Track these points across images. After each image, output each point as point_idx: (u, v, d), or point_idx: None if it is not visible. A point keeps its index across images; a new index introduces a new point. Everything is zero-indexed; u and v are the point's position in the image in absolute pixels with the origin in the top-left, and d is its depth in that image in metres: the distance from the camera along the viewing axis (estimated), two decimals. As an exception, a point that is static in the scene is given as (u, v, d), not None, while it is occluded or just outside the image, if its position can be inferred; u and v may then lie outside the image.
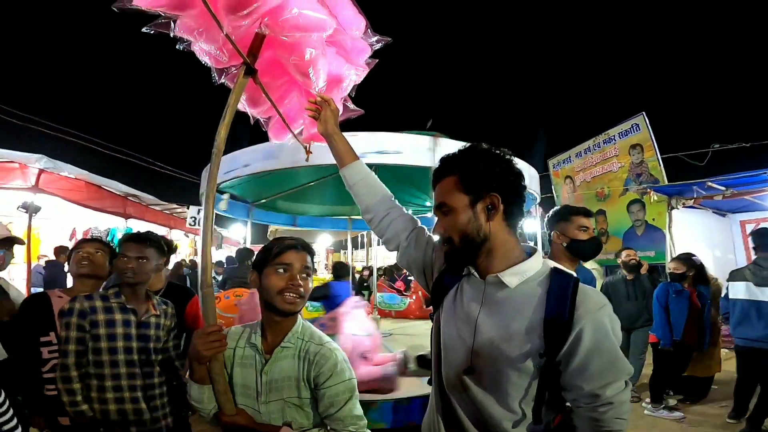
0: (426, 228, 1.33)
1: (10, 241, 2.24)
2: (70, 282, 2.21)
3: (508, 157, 1.07)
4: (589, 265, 4.48)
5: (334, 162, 1.40)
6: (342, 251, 20.94)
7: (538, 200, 4.91)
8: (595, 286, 1.95)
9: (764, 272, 3.60)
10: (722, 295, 3.96)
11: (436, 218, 1.13)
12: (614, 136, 8.00)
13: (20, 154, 4.16)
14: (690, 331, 4.06)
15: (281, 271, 1.24)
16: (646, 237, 7.53)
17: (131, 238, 1.87)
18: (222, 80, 1.28)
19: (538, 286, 1.00)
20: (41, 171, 4.31)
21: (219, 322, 1.21)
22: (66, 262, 2.23)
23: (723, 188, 5.54)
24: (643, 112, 7.38)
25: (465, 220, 1.04)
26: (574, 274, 1.76)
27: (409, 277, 8.04)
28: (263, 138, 1.61)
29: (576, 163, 9.18)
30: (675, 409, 4.17)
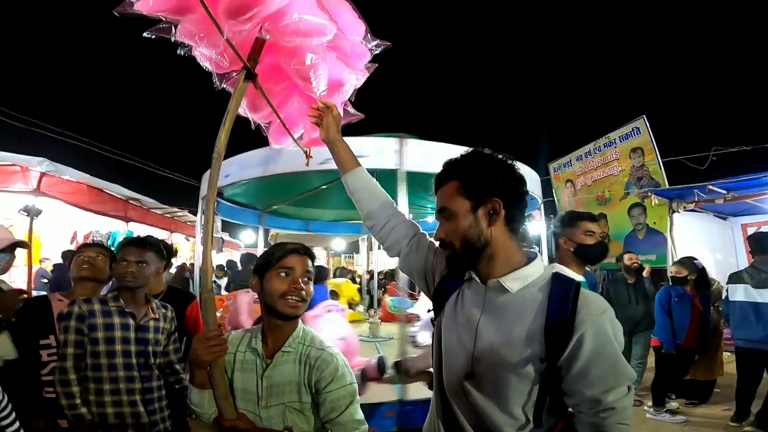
0: (427, 234, 1.33)
1: (14, 245, 2.25)
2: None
3: (510, 162, 1.07)
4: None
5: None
6: (344, 256, 20.92)
7: (541, 203, 4.91)
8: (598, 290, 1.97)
9: (762, 275, 3.66)
10: (723, 297, 4.02)
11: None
12: (615, 139, 8.00)
13: (22, 157, 4.16)
14: (692, 334, 4.06)
15: (283, 275, 1.24)
16: (647, 240, 7.52)
17: (131, 242, 1.87)
18: (223, 85, 1.29)
19: (540, 291, 1.00)
20: (43, 174, 4.30)
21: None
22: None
23: (724, 192, 5.54)
24: (644, 116, 7.39)
25: (466, 225, 1.04)
26: (577, 279, 1.77)
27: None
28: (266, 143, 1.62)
29: (576, 166, 9.18)
30: (677, 412, 4.15)
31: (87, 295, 1.92)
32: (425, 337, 2.68)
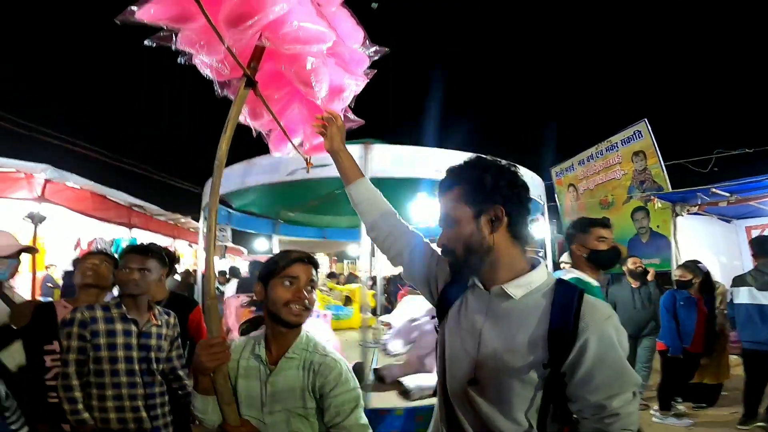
0: (429, 242, 1.34)
1: (20, 251, 2.28)
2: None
3: (513, 168, 1.08)
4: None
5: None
6: (347, 261, 20.89)
7: (544, 207, 4.90)
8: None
9: (765, 277, 3.71)
10: (728, 300, 4.07)
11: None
12: (616, 143, 7.98)
13: (26, 164, 4.19)
14: (699, 338, 4.06)
15: (287, 283, 1.25)
16: (651, 244, 7.48)
17: (133, 249, 1.89)
18: (224, 93, 1.30)
19: (543, 297, 1.00)
20: (47, 181, 4.34)
21: None
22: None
23: (727, 194, 5.52)
24: (645, 119, 7.37)
25: (468, 232, 1.04)
26: (594, 283, 1.75)
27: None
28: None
29: (579, 171, 9.16)
30: (684, 416, 4.14)
31: (91, 301, 1.95)
32: (396, 346, 2.69)
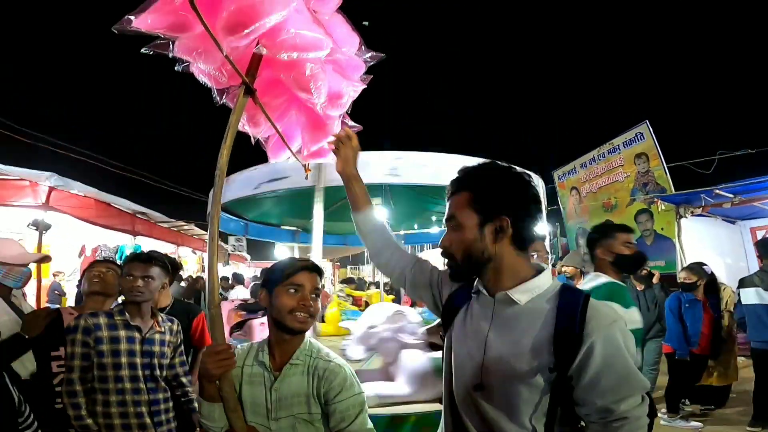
0: (428, 260, 1.39)
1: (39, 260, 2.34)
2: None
3: (526, 178, 1.07)
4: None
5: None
6: (349, 267, 20.89)
7: (545, 210, 4.90)
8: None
9: None
10: (735, 301, 4.09)
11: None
12: (618, 145, 7.97)
13: (31, 171, 4.20)
14: (705, 340, 4.05)
15: (292, 291, 1.26)
16: (655, 247, 7.44)
17: (136, 257, 1.92)
18: (223, 100, 1.31)
19: (548, 302, 1.00)
20: (51, 189, 4.35)
21: None
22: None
23: (731, 195, 5.50)
24: (647, 121, 7.35)
25: (471, 239, 1.04)
26: (604, 285, 1.84)
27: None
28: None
29: (581, 174, 9.15)
30: (692, 418, 4.12)
31: (98, 308, 1.97)
32: (355, 352, 2.72)
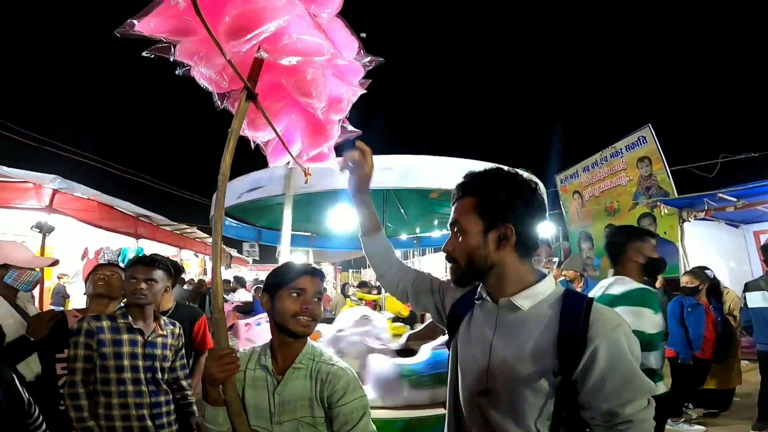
0: (429, 272, 1.41)
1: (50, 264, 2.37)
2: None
3: (532, 185, 1.07)
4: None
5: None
6: (351, 271, 20.87)
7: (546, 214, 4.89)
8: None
9: None
10: (742, 305, 4.10)
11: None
12: (621, 149, 7.94)
13: (35, 174, 4.22)
14: (708, 344, 4.04)
15: (295, 295, 1.27)
16: (658, 251, 7.40)
17: (139, 261, 1.94)
18: (224, 105, 1.31)
19: (552, 307, 1.00)
20: (55, 191, 4.37)
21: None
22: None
23: (734, 199, 5.48)
24: (649, 124, 7.33)
25: (474, 245, 1.05)
26: (638, 290, 1.88)
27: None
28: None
29: (583, 177, 9.12)
30: (695, 422, 4.10)
31: (102, 311, 1.99)
32: None
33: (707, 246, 6.38)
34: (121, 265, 2.41)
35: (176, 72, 1.21)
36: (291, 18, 1.09)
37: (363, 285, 8.98)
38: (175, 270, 2.29)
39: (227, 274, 10.74)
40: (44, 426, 1.46)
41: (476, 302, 1.13)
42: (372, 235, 1.42)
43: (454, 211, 1.11)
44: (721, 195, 5.46)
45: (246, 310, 5.32)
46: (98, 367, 1.74)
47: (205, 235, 8.99)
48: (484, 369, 1.02)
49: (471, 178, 1.11)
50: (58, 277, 7.10)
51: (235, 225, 5.28)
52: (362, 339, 2.77)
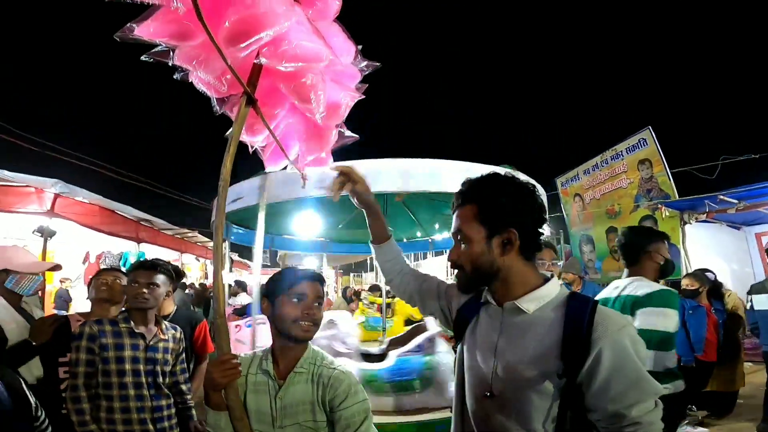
0: (435, 276, 1.43)
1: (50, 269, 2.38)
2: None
3: (531, 188, 1.07)
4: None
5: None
6: (352, 275, 20.85)
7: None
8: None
9: None
10: (748, 307, 4.08)
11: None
12: (621, 151, 7.93)
13: (36, 178, 4.22)
14: (710, 346, 4.03)
15: (295, 300, 1.28)
16: (664, 253, 7.37)
17: (141, 265, 1.96)
18: (223, 110, 1.31)
19: (556, 310, 1.01)
20: (57, 195, 4.37)
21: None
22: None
23: (735, 201, 5.47)
24: (649, 127, 7.32)
25: (478, 252, 1.05)
26: (664, 291, 1.87)
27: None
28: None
29: (584, 180, 9.11)
30: (699, 424, 4.09)
31: (104, 315, 2.00)
32: None
33: (709, 248, 6.37)
34: (123, 269, 2.42)
35: (174, 76, 1.22)
36: (291, 24, 1.10)
37: (375, 288, 9.01)
38: (176, 274, 2.31)
39: (229, 278, 10.73)
40: (50, 429, 1.47)
41: (482, 306, 1.14)
42: (381, 242, 1.44)
43: (456, 220, 1.12)
44: (722, 197, 5.45)
45: (242, 312, 5.43)
46: (100, 371, 1.75)
47: (206, 239, 9.00)
48: (490, 372, 1.03)
49: (469, 186, 1.11)
50: (61, 281, 7.11)
51: (242, 231, 5.34)
52: (330, 343, 2.78)
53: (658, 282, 2.17)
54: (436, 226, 6.60)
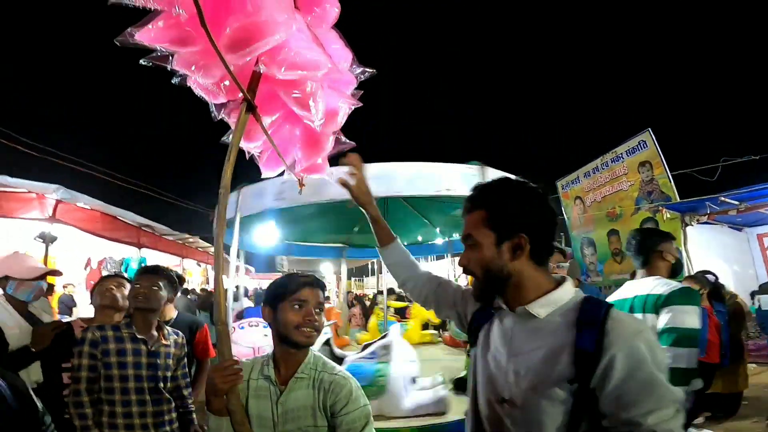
0: (450, 280, 1.44)
1: (46, 274, 2.38)
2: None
3: (540, 193, 1.07)
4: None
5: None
6: (353, 279, 20.81)
7: None
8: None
9: None
10: (756, 307, 4.16)
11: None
12: (622, 154, 7.93)
13: (38, 184, 4.24)
14: (712, 347, 3.99)
15: (297, 306, 1.29)
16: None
17: (145, 270, 1.99)
18: (221, 116, 1.32)
19: (568, 314, 0.99)
20: (58, 201, 4.39)
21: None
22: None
23: (736, 203, 5.46)
24: (649, 129, 7.32)
25: (488, 257, 1.04)
26: (687, 289, 1.86)
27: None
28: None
29: (585, 183, 9.11)
30: (703, 426, 4.07)
31: (107, 322, 2.01)
32: None
33: (710, 250, 6.35)
34: (127, 276, 2.44)
35: (173, 80, 1.22)
36: (291, 33, 1.11)
37: (391, 292, 9.01)
38: (178, 281, 2.33)
39: (233, 282, 10.74)
40: None
41: (495, 311, 1.14)
42: (386, 245, 1.46)
43: (466, 225, 1.11)
44: (723, 198, 5.45)
45: (240, 315, 5.53)
46: (102, 377, 1.76)
47: (207, 244, 9.01)
48: (502, 378, 1.02)
49: (479, 191, 1.11)
50: (64, 287, 7.13)
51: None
52: None
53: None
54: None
